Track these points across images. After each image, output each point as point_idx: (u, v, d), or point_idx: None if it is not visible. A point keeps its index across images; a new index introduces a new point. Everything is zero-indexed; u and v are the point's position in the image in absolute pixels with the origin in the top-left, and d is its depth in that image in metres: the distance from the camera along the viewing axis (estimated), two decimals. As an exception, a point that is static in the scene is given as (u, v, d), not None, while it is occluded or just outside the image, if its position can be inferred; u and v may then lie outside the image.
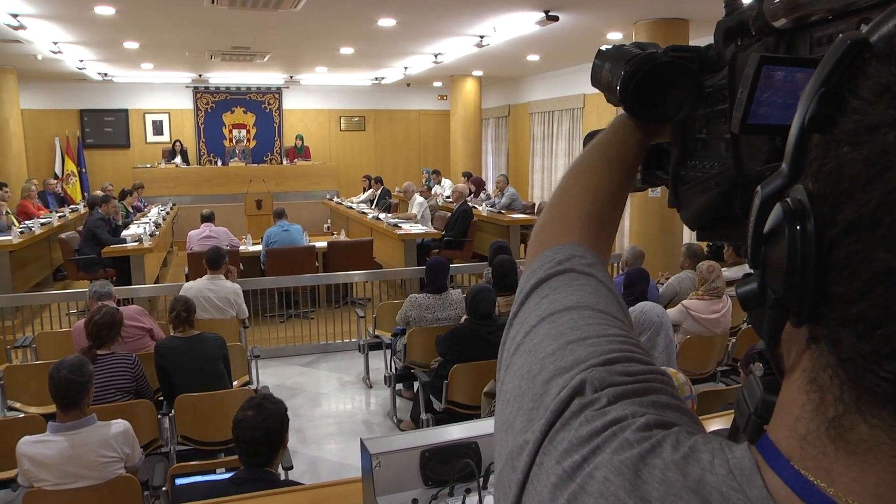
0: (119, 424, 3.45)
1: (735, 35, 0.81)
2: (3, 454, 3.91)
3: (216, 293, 6.15)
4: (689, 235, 9.78)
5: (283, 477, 3.33)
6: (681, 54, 0.86)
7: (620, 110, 0.89)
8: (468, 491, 1.94)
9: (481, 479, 1.90)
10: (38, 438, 3.30)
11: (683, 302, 5.58)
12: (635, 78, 0.84)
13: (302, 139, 16.72)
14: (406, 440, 1.97)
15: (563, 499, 0.51)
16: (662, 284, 6.56)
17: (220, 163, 16.15)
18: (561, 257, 0.74)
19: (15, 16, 8.10)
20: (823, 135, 0.44)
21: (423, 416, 5.00)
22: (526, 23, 8.61)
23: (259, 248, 9.15)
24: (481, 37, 9.82)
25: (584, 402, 0.57)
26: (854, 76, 0.43)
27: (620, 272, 7.13)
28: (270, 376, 6.82)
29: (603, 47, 0.95)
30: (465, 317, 5.70)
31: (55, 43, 10.11)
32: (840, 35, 0.46)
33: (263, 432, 2.76)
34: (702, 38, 8.97)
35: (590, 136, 0.94)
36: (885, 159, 0.39)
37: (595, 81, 0.97)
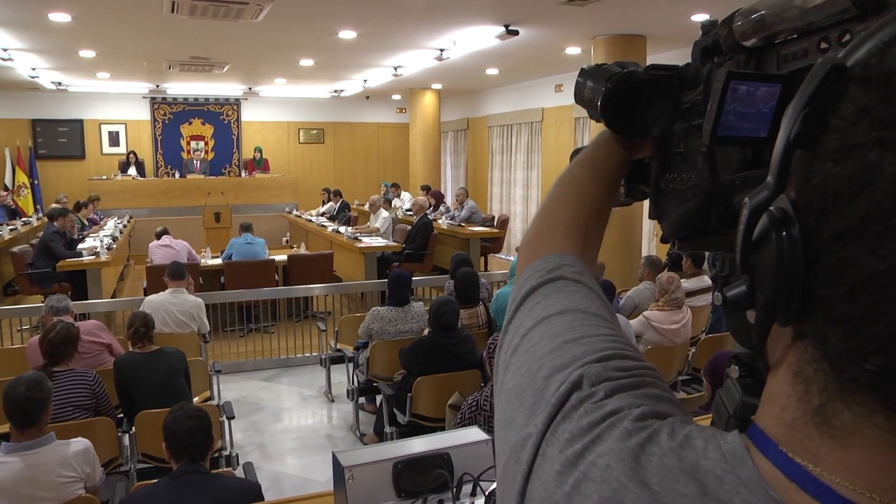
0: (79, 443, 3.37)
1: (711, 54, 0.84)
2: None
3: (178, 307, 6.07)
4: (647, 247, 9.93)
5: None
6: (660, 72, 0.90)
7: (602, 126, 0.92)
8: (441, 502, 1.95)
9: (454, 490, 1.92)
10: (-10, 461, 3.20)
11: (644, 313, 5.66)
12: (615, 95, 0.87)
13: (261, 151, 16.61)
14: (378, 452, 1.97)
15: (568, 485, 0.54)
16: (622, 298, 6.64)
17: (177, 175, 15.95)
18: (551, 266, 0.77)
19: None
20: (807, 150, 0.48)
21: (388, 429, 4.98)
22: (486, 37, 8.69)
23: (218, 260, 9.07)
24: (441, 50, 9.87)
25: (583, 396, 0.60)
26: (834, 97, 0.47)
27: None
28: (231, 391, 6.74)
29: (585, 66, 0.98)
30: (427, 329, 5.71)
31: (5, 50, 9.84)
32: (820, 59, 0.50)
33: (196, 421, 2.91)
34: (659, 54, 9.16)
35: (576, 152, 0.98)
36: (867, 175, 0.43)
37: (578, 98, 1.00)
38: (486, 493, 1.98)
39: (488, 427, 3.74)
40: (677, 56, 9.41)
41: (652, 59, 8.77)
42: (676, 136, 0.88)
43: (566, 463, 0.56)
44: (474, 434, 2.13)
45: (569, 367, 0.63)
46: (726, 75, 0.65)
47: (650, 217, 0.97)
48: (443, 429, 4.58)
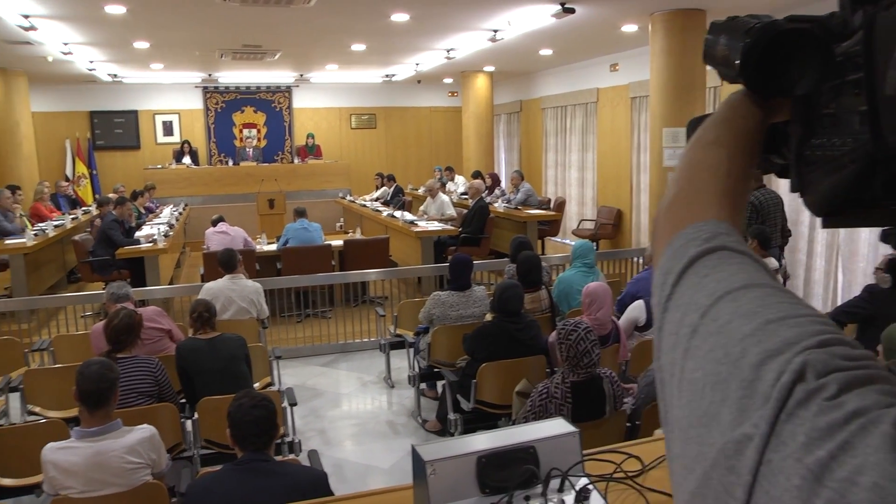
0: (145, 430, 3.36)
1: (865, 0, 0.70)
2: (26, 460, 3.84)
3: (238, 293, 6.06)
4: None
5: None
6: (801, 24, 0.77)
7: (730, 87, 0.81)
8: (527, 498, 1.83)
9: (543, 486, 1.80)
10: (63, 445, 3.21)
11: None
12: (757, 49, 0.76)
13: (313, 137, 16.66)
14: (460, 446, 1.86)
15: None
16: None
17: (230, 162, 16.10)
18: (707, 234, 0.69)
19: (26, 16, 8.02)
20: None
21: (451, 415, 4.89)
22: (541, 16, 8.50)
23: (274, 246, 9.07)
24: (495, 31, 9.70)
25: (810, 390, 0.49)
26: None
27: (645, 267, 7.03)
28: (289, 377, 6.72)
29: (715, 20, 0.87)
30: (489, 314, 5.60)
31: (65, 44, 10.04)
32: None
33: (261, 410, 2.84)
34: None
35: (695, 122, 0.88)
36: None
37: (708, 58, 0.88)
38: (577, 490, 1.86)
39: (559, 414, 3.61)
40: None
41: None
42: (825, 96, 0.75)
43: (809, 476, 0.44)
44: (560, 426, 2.00)
45: (783, 352, 0.52)
46: None
47: (792, 190, 0.84)
48: (508, 416, 4.47)
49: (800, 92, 0.76)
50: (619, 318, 5.30)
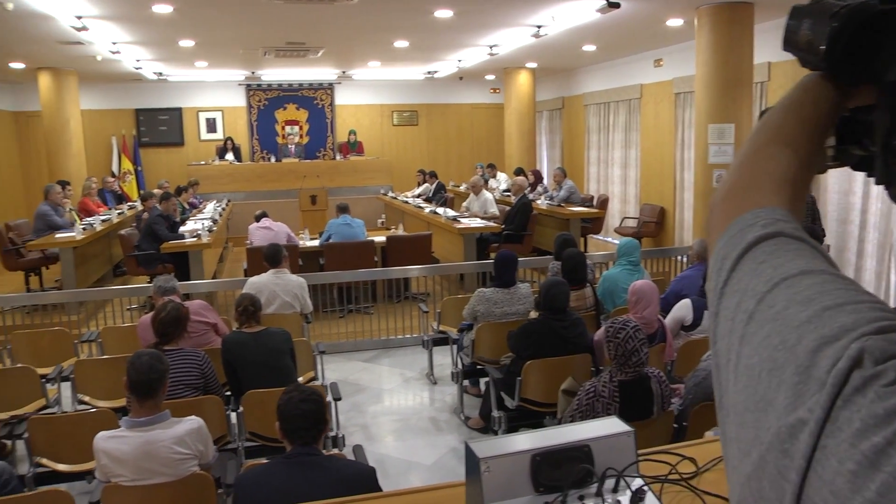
0: (193, 421, 3.39)
1: None
2: (77, 447, 3.92)
3: (282, 287, 6.09)
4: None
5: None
6: (892, 5, 0.73)
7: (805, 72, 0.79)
8: (582, 498, 1.79)
9: (599, 486, 1.76)
10: (113, 434, 3.26)
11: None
12: (846, 33, 0.73)
13: (355, 134, 16.72)
14: (515, 443, 1.83)
15: (872, 491, 0.44)
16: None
17: (273, 159, 16.23)
18: (765, 221, 0.69)
19: (79, 17, 8.18)
20: None
21: (495, 413, 4.87)
22: (586, 11, 8.42)
23: (316, 242, 9.12)
24: (538, 27, 9.65)
25: (867, 376, 0.50)
26: None
27: (689, 266, 6.93)
28: (332, 372, 6.75)
29: (797, 4, 0.84)
30: (533, 311, 5.56)
31: (114, 43, 10.22)
32: None
33: (310, 405, 2.83)
34: (768, 22, 8.66)
35: (768, 111, 0.85)
36: None
37: (789, 44, 0.85)
38: (633, 491, 1.82)
39: (605, 414, 3.56)
40: (785, 23, 8.88)
41: (760, 28, 8.30)
42: None
43: (864, 462, 0.45)
44: (614, 425, 1.96)
45: (840, 339, 0.53)
46: None
47: (877, 182, 0.80)
48: (553, 414, 4.43)
49: (892, 78, 0.73)
50: (663, 316, 5.22)
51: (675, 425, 3.90)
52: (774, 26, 8.99)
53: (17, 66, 12.03)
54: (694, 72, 8.63)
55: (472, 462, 1.77)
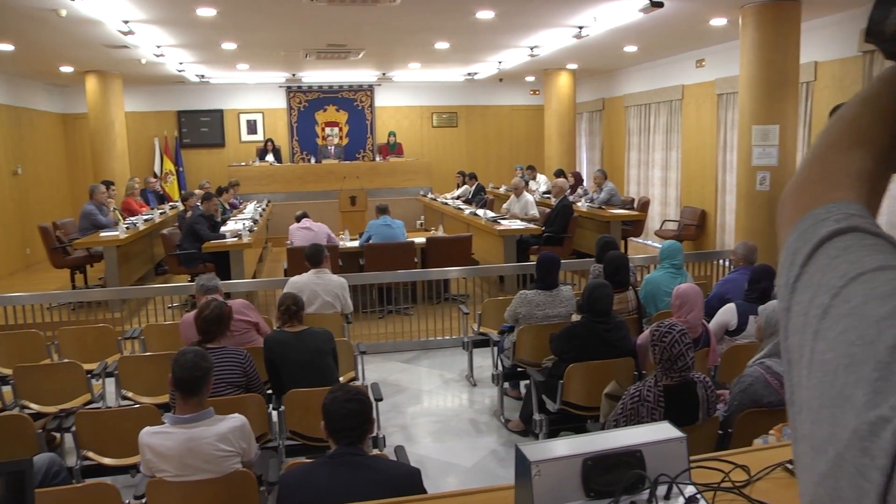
0: (236, 419, 3.41)
1: None
2: (121, 441, 3.98)
3: (323, 287, 6.11)
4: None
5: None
6: None
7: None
8: (633, 504, 1.76)
9: (651, 492, 1.73)
10: (158, 430, 3.29)
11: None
12: None
13: (395, 135, 16.76)
14: (565, 447, 1.80)
15: None
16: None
17: (313, 160, 16.34)
18: (839, 215, 0.68)
19: (126, 21, 8.32)
20: None
21: (537, 416, 4.83)
22: (628, 11, 8.34)
23: (356, 243, 9.14)
24: (580, 27, 9.57)
25: None
26: None
27: (733, 269, 6.82)
28: (371, 372, 6.75)
29: None
30: (575, 314, 5.51)
31: (158, 46, 10.37)
32: None
33: (356, 404, 2.82)
34: (814, 20, 8.50)
35: (840, 107, 0.82)
36: None
37: (873, 35, 0.81)
38: (686, 498, 1.78)
39: (651, 419, 3.51)
40: (834, 21, 8.71)
41: (808, 26, 8.14)
42: None
43: None
44: (666, 430, 1.92)
45: None
46: None
47: None
48: (595, 418, 4.38)
49: None
50: (707, 321, 5.14)
51: (720, 432, 3.83)
52: (822, 24, 8.81)
53: (66, 69, 12.30)
54: (737, 72, 8.49)
55: (523, 465, 1.74)
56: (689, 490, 1.82)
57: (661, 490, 1.80)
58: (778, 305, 0.66)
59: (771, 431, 3.17)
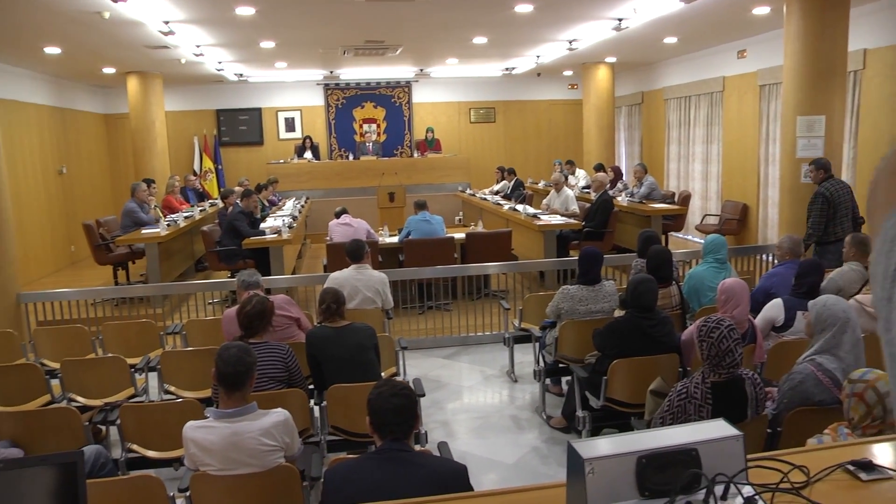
0: (279, 413, 3.40)
1: None
2: (165, 434, 4.01)
3: (364, 282, 6.11)
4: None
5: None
6: None
7: None
8: (689, 504, 1.71)
9: (708, 492, 1.67)
10: (202, 424, 3.30)
11: (857, 297, 5.09)
12: None
13: (432, 131, 16.74)
14: (619, 444, 1.75)
15: None
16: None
17: (351, 157, 16.40)
18: None
19: (166, 22, 8.41)
20: None
21: (580, 412, 4.77)
22: (669, 1, 8.21)
23: (396, 239, 9.14)
24: (619, 20, 9.45)
25: None
26: None
27: (777, 263, 6.68)
28: (412, 368, 6.73)
29: None
30: (618, 310, 5.43)
31: (198, 46, 10.48)
32: None
33: (401, 399, 2.79)
34: (864, 5, 8.27)
35: None
36: None
37: None
38: (745, 498, 1.72)
39: (698, 416, 3.44)
40: (884, 6, 8.46)
41: (857, 12, 7.92)
42: None
43: None
44: (722, 428, 1.86)
45: None
46: None
47: None
48: (639, 415, 4.31)
49: None
50: (753, 316, 5.02)
51: (769, 430, 3.74)
52: (872, 10, 8.57)
53: (109, 70, 12.52)
54: (780, 62, 8.27)
55: (576, 463, 1.70)
56: (748, 490, 1.76)
57: (717, 490, 1.74)
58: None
59: (826, 431, 3.08)
